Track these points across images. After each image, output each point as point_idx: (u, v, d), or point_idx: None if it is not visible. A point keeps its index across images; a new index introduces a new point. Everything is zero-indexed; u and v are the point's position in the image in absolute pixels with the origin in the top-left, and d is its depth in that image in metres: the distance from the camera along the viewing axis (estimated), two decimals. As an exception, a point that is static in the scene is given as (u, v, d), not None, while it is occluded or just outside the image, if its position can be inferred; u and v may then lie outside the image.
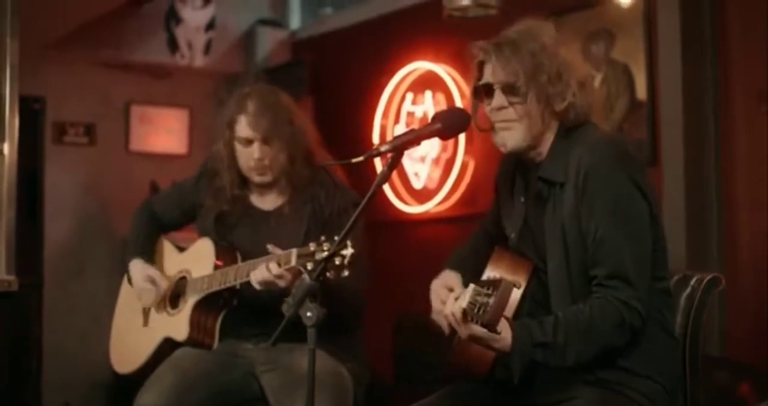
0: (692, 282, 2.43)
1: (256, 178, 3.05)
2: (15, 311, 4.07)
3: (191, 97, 6.40)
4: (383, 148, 2.21)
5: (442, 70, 5.26)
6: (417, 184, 5.45)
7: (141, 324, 3.20)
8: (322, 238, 2.50)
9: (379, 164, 5.05)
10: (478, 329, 2.05)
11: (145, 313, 3.20)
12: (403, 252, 5.44)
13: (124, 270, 3.22)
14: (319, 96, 6.07)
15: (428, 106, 5.39)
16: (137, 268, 3.13)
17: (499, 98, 2.30)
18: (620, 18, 4.40)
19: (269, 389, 2.94)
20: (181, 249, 3.22)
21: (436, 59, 5.32)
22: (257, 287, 2.78)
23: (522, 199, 2.41)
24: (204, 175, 3.17)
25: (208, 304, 3.00)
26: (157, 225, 3.26)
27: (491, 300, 1.98)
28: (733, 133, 4.01)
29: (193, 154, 6.25)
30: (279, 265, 2.70)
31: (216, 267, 2.99)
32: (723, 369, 3.57)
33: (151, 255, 3.19)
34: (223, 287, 2.93)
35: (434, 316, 2.43)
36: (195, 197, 3.18)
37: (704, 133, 4.04)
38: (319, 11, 6.46)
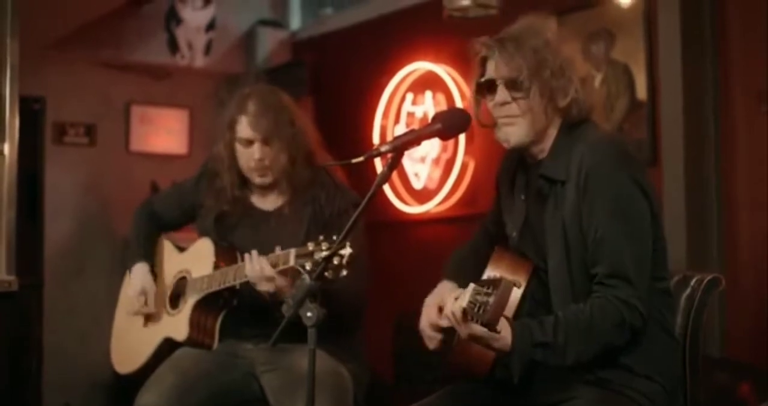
0: (692, 282, 2.43)
1: (257, 179, 3.04)
2: (15, 312, 4.06)
3: (191, 98, 6.40)
4: (383, 149, 2.20)
5: (443, 71, 5.26)
6: (417, 184, 5.45)
7: (141, 324, 3.20)
8: (321, 238, 2.49)
9: (379, 165, 5.06)
10: (478, 329, 2.04)
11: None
12: (403, 252, 5.44)
13: (125, 269, 3.23)
14: (319, 96, 6.07)
15: (428, 106, 5.39)
16: (139, 274, 3.14)
17: (502, 94, 2.30)
18: (620, 18, 4.40)
19: (269, 390, 2.93)
20: (181, 249, 3.22)
21: (437, 59, 5.31)
22: (255, 286, 2.78)
23: (522, 197, 2.41)
24: (204, 176, 3.17)
25: (208, 304, 3.00)
26: (156, 224, 3.27)
27: (491, 299, 1.97)
28: (733, 133, 4.01)
29: (194, 154, 6.25)
30: (277, 264, 2.71)
31: (216, 267, 2.99)
32: (723, 369, 3.57)
33: (152, 256, 3.20)
34: (222, 287, 2.94)
35: (420, 329, 2.43)
36: (195, 198, 3.18)
37: (704, 133, 4.04)
38: (319, 11, 6.46)
